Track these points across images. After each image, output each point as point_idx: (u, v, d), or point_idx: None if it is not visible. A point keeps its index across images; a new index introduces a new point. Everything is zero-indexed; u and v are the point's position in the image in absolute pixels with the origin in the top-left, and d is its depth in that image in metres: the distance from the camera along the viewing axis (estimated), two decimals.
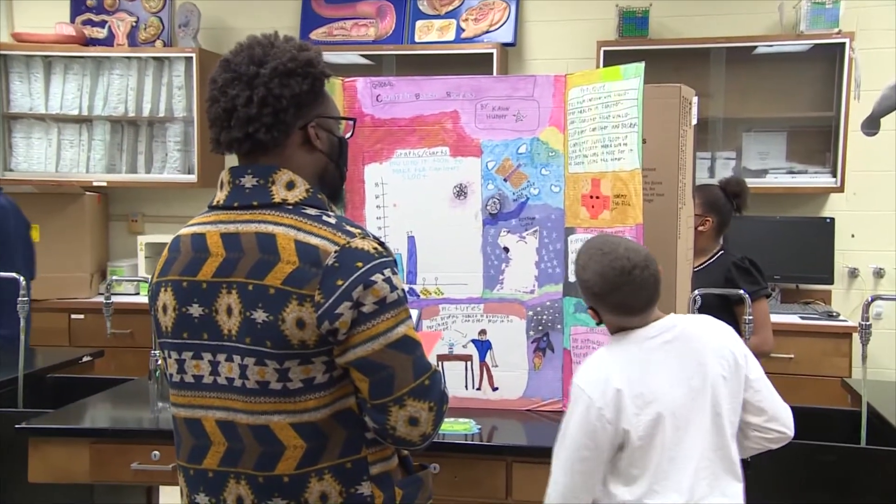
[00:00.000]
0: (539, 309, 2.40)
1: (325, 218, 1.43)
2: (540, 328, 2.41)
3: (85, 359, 3.36)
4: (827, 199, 4.22)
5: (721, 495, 1.72)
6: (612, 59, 3.89)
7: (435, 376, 1.43)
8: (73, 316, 4.31)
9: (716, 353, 1.76)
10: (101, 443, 2.29)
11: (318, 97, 1.50)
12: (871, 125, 3.30)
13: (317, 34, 4.52)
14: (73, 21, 4.70)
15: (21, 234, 3.50)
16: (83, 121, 4.57)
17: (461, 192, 2.43)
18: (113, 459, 2.28)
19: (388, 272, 1.40)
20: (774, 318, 3.21)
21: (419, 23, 4.46)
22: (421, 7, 4.49)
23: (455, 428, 2.21)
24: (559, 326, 2.39)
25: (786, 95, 4.20)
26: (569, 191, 2.35)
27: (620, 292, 1.73)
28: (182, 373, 1.47)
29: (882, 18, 4.11)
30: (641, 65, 2.14)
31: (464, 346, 2.45)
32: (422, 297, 2.44)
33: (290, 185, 1.45)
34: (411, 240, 2.45)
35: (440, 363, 2.40)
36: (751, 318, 2.38)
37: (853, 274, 4.22)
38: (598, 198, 2.24)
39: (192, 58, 4.43)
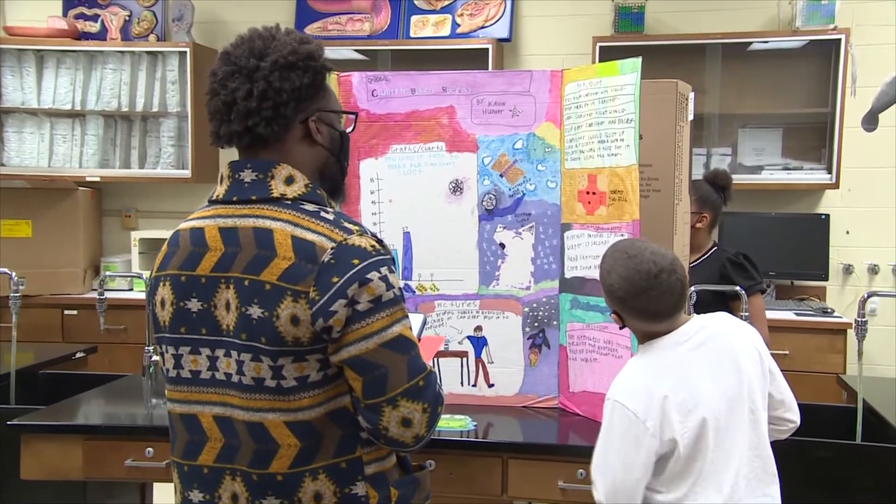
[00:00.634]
0: (535, 305, 2.39)
1: (322, 214, 1.42)
2: (536, 324, 2.40)
3: (78, 355, 3.36)
4: (822, 196, 4.23)
5: (763, 496, 1.71)
6: (608, 54, 3.89)
7: (429, 377, 1.41)
8: (66, 312, 4.29)
9: (745, 351, 1.75)
10: (95, 439, 2.28)
11: (319, 91, 1.49)
12: (871, 121, 3.30)
13: (311, 29, 4.50)
14: (65, 15, 4.66)
15: None
16: (76, 115, 4.54)
17: (457, 187, 2.42)
18: (106, 456, 2.27)
19: (384, 270, 1.38)
20: (769, 314, 3.22)
21: (414, 18, 4.45)
22: (416, 2, 4.47)
23: (451, 424, 2.21)
24: (555, 323, 2.38)
25: (781, 91, 4.21)
26: (565, 186, 2.34)
27: (646, 296, 1.70)
28: (179, 368, 1.46)
29: (878, 14, 4.11)
30: (638, 60, 2.12)
31: (459, 343, 2.44)
32: (417, 293, 2.44)
33: (290, 180, 1.44)
34: (406, 235, 2.44)
35: (436, 360, 2.40)
36: (747, 314, 2.38)
37: (848, 270, 4.22)
38: (594, 193, 2.24)
39: (185, 52, 4.40)
